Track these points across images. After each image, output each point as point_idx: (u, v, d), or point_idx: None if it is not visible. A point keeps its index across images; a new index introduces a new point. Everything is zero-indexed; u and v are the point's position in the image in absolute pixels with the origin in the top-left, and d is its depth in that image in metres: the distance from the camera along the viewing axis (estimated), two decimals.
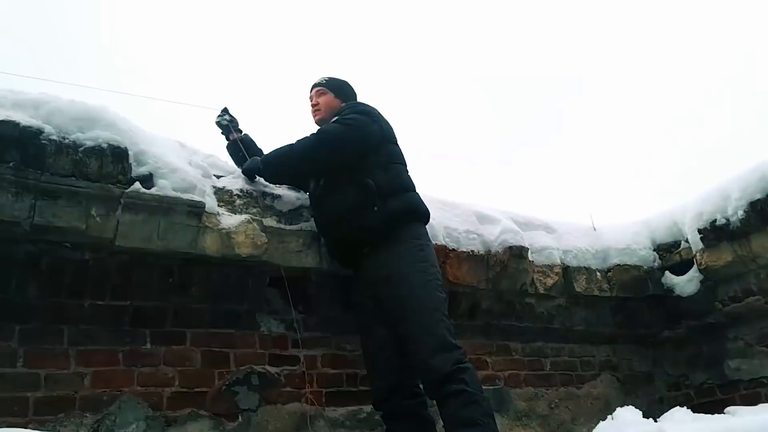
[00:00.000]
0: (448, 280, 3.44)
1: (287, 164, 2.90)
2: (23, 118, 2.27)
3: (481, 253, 3.68)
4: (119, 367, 2.49)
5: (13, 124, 2.23)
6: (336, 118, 2.94)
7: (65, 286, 2.41)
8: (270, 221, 2.89)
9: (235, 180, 2.96)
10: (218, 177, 2.93)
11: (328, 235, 2.96)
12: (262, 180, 3.06)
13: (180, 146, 2.88)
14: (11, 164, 2.21)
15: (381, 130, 2.93)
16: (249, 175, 2.99)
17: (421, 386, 2.71)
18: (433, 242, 3.23)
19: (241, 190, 2.90)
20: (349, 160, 2.83)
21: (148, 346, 2.59)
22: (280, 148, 2.92)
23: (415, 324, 2.61)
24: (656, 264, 4.46)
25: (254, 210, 2.90)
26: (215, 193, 2.80)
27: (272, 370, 2.86)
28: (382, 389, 2.74)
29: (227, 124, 3.20)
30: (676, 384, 4.46)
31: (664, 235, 4.52)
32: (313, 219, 3.03)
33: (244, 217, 2.78)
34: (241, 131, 3.25)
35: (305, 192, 3.14)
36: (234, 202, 2.86)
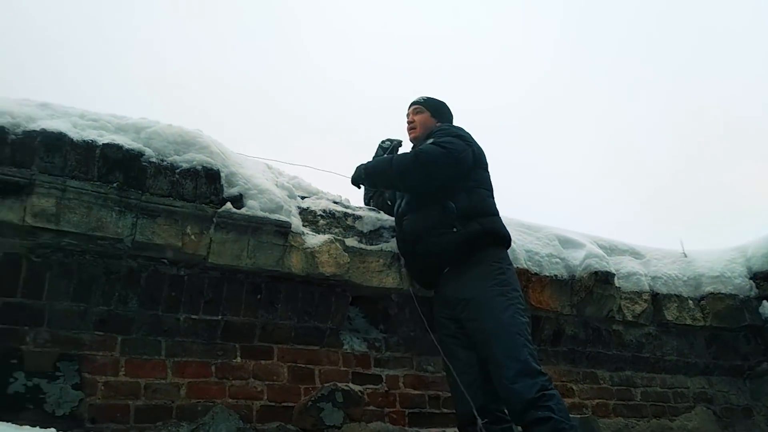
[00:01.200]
0: (530, 304, 3.39)
1: (383, 176, 2.98)
2: (126, 142, 2.44)
3: (564, 277, 3.60)
4: (212, 378, 2.58)
5: (117, 147, 2.41)
6: (432, 139, 2.95)
7: (162, 300, 2.53)
8: (352, 241, 2.95)
9: (318, 201, 3.06)
10: (302, 198, 3.02)
11: (407, 254, 2.98)
12: (344, 200, 3.14)
13: (267, 168, 3.01)
14: (115, 184, 2.38)
15: (473, 155, 2.94)
16: (355, 182, 3.09)
17: (505, 411, 2.65)
18: (515, 266, 3.20)
19: (324, 211, 2.99)
20: (441, 182, 2.84)
21: (239, 359, 2.67)
22: (382, 159, 3.01)
23: (497, 348, 2.57)
24: (753, 293, 4.22)
25: (336, 230, 2.97)
26: (300, 213, 2.89)
27: (355, 388, 2.88)
28: (466, 413, 2.68)
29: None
30: None
31: (761, 263, 4.30)
32: (393, 240, 3.07)
33: (327, 237, 2.85)
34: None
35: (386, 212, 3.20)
36: (317, 222, 2.94)
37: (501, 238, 2.89)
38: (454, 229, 2.76)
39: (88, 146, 2.36)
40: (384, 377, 2.98)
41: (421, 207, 2.88)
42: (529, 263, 3.51)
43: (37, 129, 2.27)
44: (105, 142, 2.39)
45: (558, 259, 3.69)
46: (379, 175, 2.99)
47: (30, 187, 2.22)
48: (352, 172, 3.08)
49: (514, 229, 3.54)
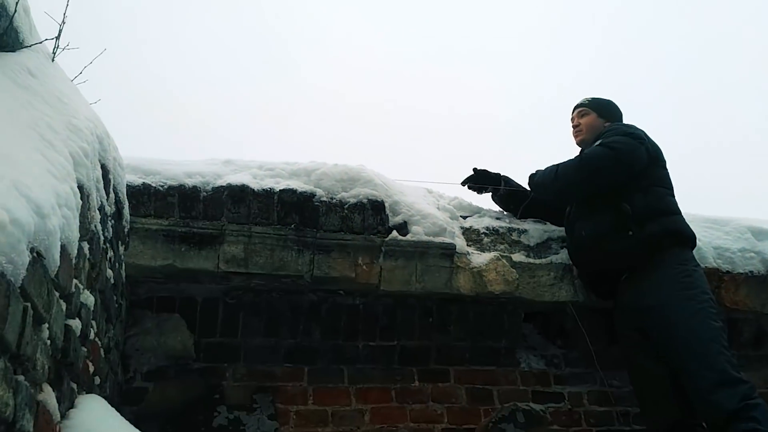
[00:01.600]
0: (724, 306, 3.09)
1: (550, 185, 2.87)
2: (299, 185, 2.63)
3: (761, 273, 3.25)
4: (393, 403, 2.68)
5: (291, 191, 2.60)
6: (599, 141, 2.80)
7: (342, 330, 2.69)
8: (519, 256, 2.90)
9: (480, 219, 3.05)
10: (464, 217, 3.03)
11: (581, 263, 2.86)
12: (507, 215, 3.11)
13: (427, 192, 3.06)
14: (292, 226, 2.56)
15: (648, 153, 2.76)
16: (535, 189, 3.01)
17: (704, 425, 2.46)
18: (703, 265, 2.95)
19: (488, 228, 2.97)
20: (612, 184, 2.70)
21: (417, 383, 2.75)
22: (548, 168, 2.91)
23: (690, 357, 2.40)
24: None
25: (502, 246, 2.94)
26: (463, 233, 2.90)
27: (536, 407, 2.83)
28: (659, 429, 2.54)
29: (479, 188, 3.22)
30: None
31: None
32: (562, 251, 2.98)
33: (492, 254, 2.83)
34: (497, 177, 3.21)
35: (552, 224, 3.11)
36: (482, 240, 2.93)
37: (685, 238, 2.69)
38: (630, 233, 2.62)
39: (267, 194, 2.57)
40: (566, 395, 2.90)
41: (593, 211, 2.75)
42: (718, 261, 3.21)
43: (224, 184, 2.53)
44: (281, 188, 2.60)
45: (752, 254, 3.33)
46: (545, 187, 2.90)
47: (221, 237, 2.47)
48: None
49: (698, 225, 3.25)
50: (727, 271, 3.17)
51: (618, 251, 2.65)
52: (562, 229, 3.07)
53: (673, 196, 2.81)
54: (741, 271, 3.21)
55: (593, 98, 3.13)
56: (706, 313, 2.48)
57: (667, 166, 2.89)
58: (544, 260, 2.94)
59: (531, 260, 2.92)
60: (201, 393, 2.48)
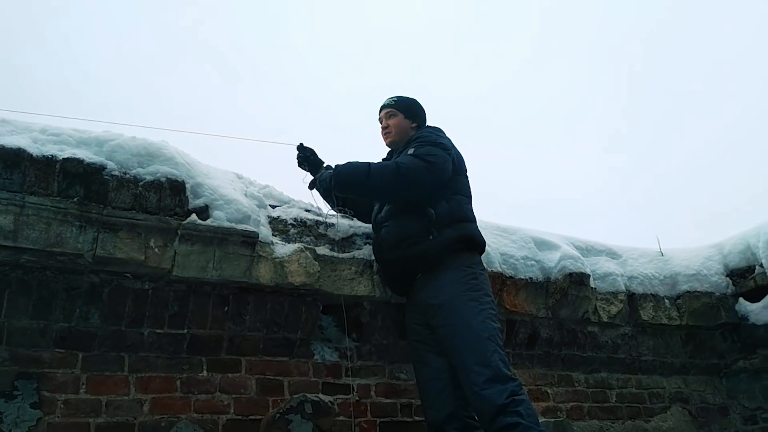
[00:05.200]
0: (504, 308, 3.38)
1: (359, 187, 2.86)
2: (87, 155, 2.39)
3: (539, 280, 3.60)
4: (177, 393, 2.55)
5: (77, 161, 2.36)
6: (413, 149, 2.85)
7: (126, 315, 2.50)
8: (323, 249, 2.92)
9: (289, 209, 3.02)
10: (273, 207, 2.98)
11: (382, 260, 2.95)
12: (316, 207, 3.11)
13: (237, 178, 2.96)
14: (75, 199, 2.33)
15: (453, 164, 2.91)
16: (321, 186, 3.01)
17: (476, 418, 2.66)
18: (489, 269, 3.20)
19: (296, 219, 2.96)
20: (423, 195, 2.81)
21: (205, 373, 2.64)
22: (356, 164, 2.85)
23: (468, 354, 2.57)
24: (729, 290, 4.24)
25: (308, 239, 2.94)
26: (270, 222, 2.85)
27: (325, 398, 2.86)
28: (436, 420, 2.70)
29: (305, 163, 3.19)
30: (752, 417, 4.18)
31: (737, 260, 4.31)
32: (366, 247, 3.05)
33: (296, 246, 2.81)
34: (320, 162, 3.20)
35: (359, 219, 3.17)
36: (288, 231, 2.91)
37: (476, 243, 2.88)
38: (431, 237, 2.76)
39: (48, 161, 2.31)
40: (355, 386, 2.96)
41: (401, 214, 2.86)
42: (503, 266, 3.49)
43: None
44: (65, 156, 2.34)
45: (533, 262, 3.68)
46: (353, 185, 2.87)
47: None
48: (312, 179, 3.03)
49: (489, 232, 3.52)
50: (510, 276, 3.47)
51: (418, 254, 2.77)
52: (369, 225, 3.14)
53: (471, 204, 2.99)
54: (522, 276, 3.53)
55: (399, 98, 3.19)
56: (487, 314, 2.67)
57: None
58: (347, 255, 2.99)
59: (335, 254, 2.95)
60: None
